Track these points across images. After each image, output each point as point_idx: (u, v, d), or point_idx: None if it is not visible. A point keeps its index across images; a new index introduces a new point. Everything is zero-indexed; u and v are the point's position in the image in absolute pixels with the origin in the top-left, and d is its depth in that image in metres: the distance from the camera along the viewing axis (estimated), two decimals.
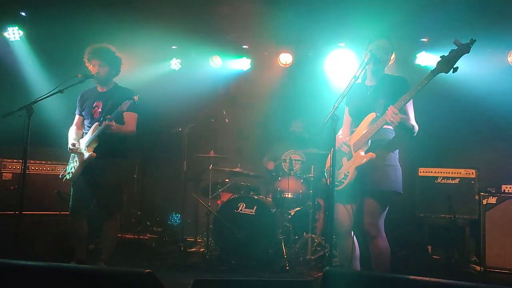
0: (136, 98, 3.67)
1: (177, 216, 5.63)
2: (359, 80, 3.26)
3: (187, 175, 5.10)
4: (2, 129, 4.16)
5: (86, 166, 3.82)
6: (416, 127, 3.11)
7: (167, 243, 5.70)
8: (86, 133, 3.92)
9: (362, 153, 3.07)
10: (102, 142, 3.79)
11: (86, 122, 4.00)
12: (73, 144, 3.87)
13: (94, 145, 3.80)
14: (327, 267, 2.01)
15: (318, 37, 5.86)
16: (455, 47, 2.73)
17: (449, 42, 5.33)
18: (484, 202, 4.67)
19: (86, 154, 3.78)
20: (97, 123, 3.82)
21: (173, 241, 5.71)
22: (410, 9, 5.15)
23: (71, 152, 3.92)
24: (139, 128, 3.99)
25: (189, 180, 5.51)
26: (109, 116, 3.66)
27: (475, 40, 2.64)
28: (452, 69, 2.70)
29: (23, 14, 5.59)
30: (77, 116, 4.11)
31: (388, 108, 2.89)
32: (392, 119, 2.87)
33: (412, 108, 3.15)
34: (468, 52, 2.66)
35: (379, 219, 3.11)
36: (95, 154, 3.77)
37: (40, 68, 5.70)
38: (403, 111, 2.98)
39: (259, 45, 6.21)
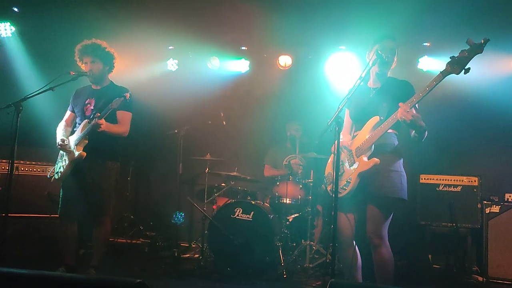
0: (127, 95, 3.52)
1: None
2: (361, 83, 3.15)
3: (182, 178, 4.97)
4: None
5: (75, 165, 3.67)
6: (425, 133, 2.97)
7: (160, 248, 5.56)
8: (76, 130, 3.77)
9: (365, 159, 2.95)
10: (92, 141, 3.64)
11: (77, 119, 3.86)
12: (63, 140, 3.72)
13: (84, 144, 3.65)
14: (333, 279, 1.89)
15: (319, 39, 5.78)
16: (457, 51, 2.60)
17: (452, 47, 5.27)
18: (487, 210, 4.58)
19: (76, 153, 3.63)
20: (86, 120, 3.68)
21: (167, 246, 5.57)
22: (412, 13, 5.08)
23: (60, 149, 3.76)
24: (133, 129, 3.86)
25: (184, 183, 5.39)
26: (99, 114, 3.51)
27: (488, 40, 2.49)
28: (463, 70, 2.56)
29: (15, 9, 5.46)
30: (68, 112, 3.97)
31: (399, 105, 2.74)
32: (404, 116, 2.71)
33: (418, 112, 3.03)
34: (481, 52, 2.52)
35: (383, 227, 3.00)
36: (85, 154, 3.61)
37: (31, 65, 5.58)
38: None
39: (258, 47, 6.10)
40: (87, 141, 3.64)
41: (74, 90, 3.97)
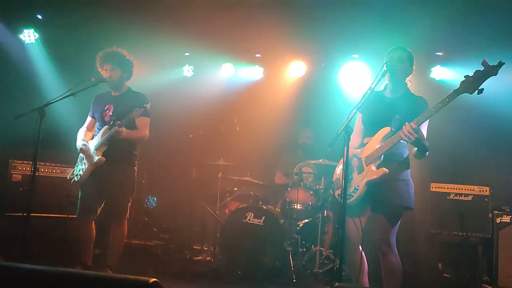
0: (148, 106, 3.67)
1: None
2: (381, 88, 3.20)
3: (195, 182, 5.06)
4: (14, 131, 4.18)
5: (95, 169, 3.81)
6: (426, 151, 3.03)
7: (173, 251, 5.65)
8: (96, 135, 3.91)
9: (374, 168, 3.00)
10: (112, 147, 3.78)
11: (97, 124, 4.01)
12: (84, 145, 3.87)
13: (103, 149, 3.79)
14: (337, 283, 1.96)
15: (332, 48, 5.83)
16: (470, 61, 2.66)
17: (465, 57, 5.30)
18: (498, 220, 4.57)
19: (96, 158, 3.78)
20: (106, 126, 3.82)
21: (179, 249, 5.65)
22: (426, 23, 5.11)
23: (81, 152, 3.90)
24: (149, 133, 3.98)
25: (197, 187, 5.48)
26: (119, 122, 3.65)
27: (503, 63, 2.56)
28: (477, 91, 2.63)
29: (39, 17, 5.65)
30: (89, 118, 4.12)
31: (406, 124, 2.83)
32: (407, 135, 2.81)
33: (426, 128, 3.06)
34: (495, 75, 2.58)
35: (391, 234, 3.05)
36: (104, 159, 3.76)
37: (53, 71, 5.74)
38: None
39: (273, 54, 6.19)
40: (106, 147, 3.79)
41: (94, 96, 4.11)
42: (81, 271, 3.37)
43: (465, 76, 2.67)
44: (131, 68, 4.00)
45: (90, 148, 3.86)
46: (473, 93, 2.64)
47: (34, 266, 1.86)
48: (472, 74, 2.64)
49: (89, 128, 4.09)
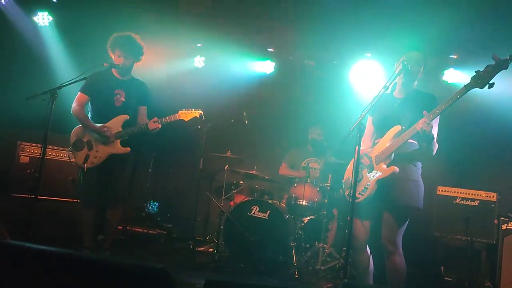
0: (201, 115, 3.90)
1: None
2: (388, 91, 3.19)
3: (202, 173, 5.06)
4: (23, 113, 4.18)
5: (111, 156, 3.83)
6: (436, 146, 3.01)
7: (175, 240, 5.67)
8: (100, 117, 3.87)
9: (384, 166, 3.00)
10: (131, 137, 3.85)
11: (101, 107, 3.88)
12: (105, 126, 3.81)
13: (124, 138, 3.84)
14: (345, 280, 1.96)
15: (345, 45, 5.80)
16: (484, 66, 2.64)
17: (479, 61, 5.20)
18: (504, 227, 4.53)
19: (122, 148, 3.82)
20: (126, 115, 3.84)
21: (182, 239, 5.66)
22: (441, 25, 5.06)
23: (102, 131, 3.77)
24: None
25: (203, 178, 5.48)
26: (156, 118, 3.79)
27: None
28: (487, 85, 2.61)
29: (54, 0, 5.65)
30: (83, 95, 3.86)
31: (424, 113, 2.80)
32: (424, 127, 2.77)
33: (437, 128, 3.04)
34: (506, 68, 2.57)
35: (397, 234, 3.05)
36: (129, 149, 3.82)
37: (66, 54, 5.74)
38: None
39: (285, 49, 6.16)
40: (127, 136, 3.84)
41: (92, 74, 3.80)
42: (93, 255, 3.40)
43: (475, 71, 2.66)
44: (142, 53, 3.99)
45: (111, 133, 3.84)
46: (483, 87, 2.62)
47: (46, 247, 1.86)
48: (483, 69, 2.63)
49: (83, 106, 3.88)
